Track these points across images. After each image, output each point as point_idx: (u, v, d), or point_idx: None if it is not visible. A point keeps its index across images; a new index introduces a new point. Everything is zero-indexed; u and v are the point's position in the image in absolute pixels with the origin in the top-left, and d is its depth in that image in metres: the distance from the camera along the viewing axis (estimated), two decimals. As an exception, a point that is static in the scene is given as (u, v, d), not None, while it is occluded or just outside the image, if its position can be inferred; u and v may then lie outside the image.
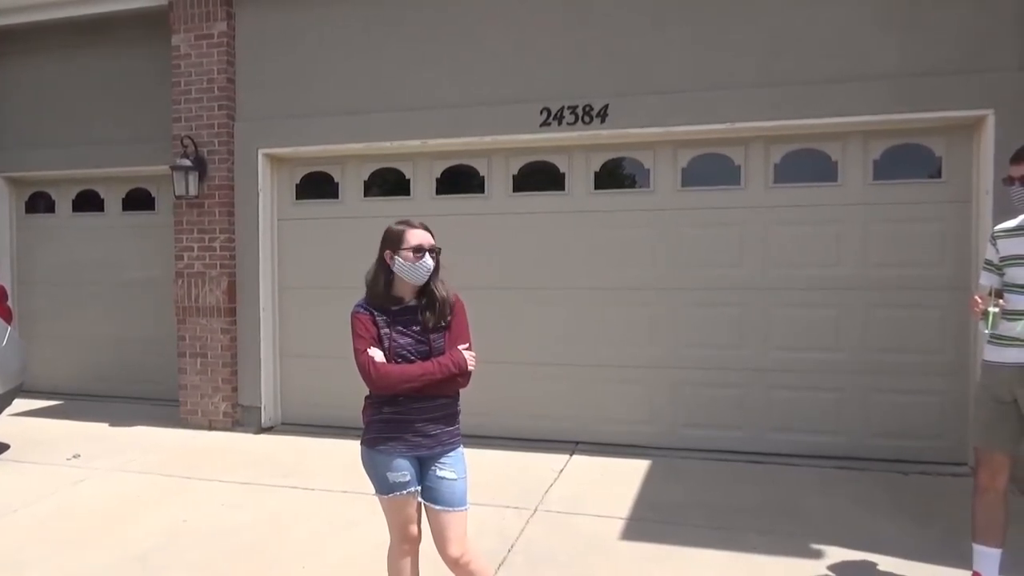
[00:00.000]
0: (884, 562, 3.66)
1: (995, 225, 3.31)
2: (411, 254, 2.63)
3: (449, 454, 2.72)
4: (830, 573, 3.57)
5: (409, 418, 2.63)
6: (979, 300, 3.05)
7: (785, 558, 3.74)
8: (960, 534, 4.00)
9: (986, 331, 3.02)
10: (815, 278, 5.48)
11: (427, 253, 2.65)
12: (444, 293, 2.72)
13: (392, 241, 2.67)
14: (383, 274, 2.68)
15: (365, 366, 2.58)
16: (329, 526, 4.25)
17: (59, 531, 4.23)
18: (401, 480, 2.64)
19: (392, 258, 2.65)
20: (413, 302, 2.69)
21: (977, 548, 3.19)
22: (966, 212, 5.19)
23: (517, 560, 3.77)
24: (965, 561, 3.48)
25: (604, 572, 3.62)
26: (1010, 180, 3.07)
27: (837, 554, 3.78)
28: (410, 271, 2.64)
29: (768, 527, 4.14)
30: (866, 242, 5.39)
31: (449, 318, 2.71)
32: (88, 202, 7.97)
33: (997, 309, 2.99)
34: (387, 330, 2.63)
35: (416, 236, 2.66)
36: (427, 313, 2.66)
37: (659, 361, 5.82)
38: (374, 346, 2.61)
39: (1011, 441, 3.10)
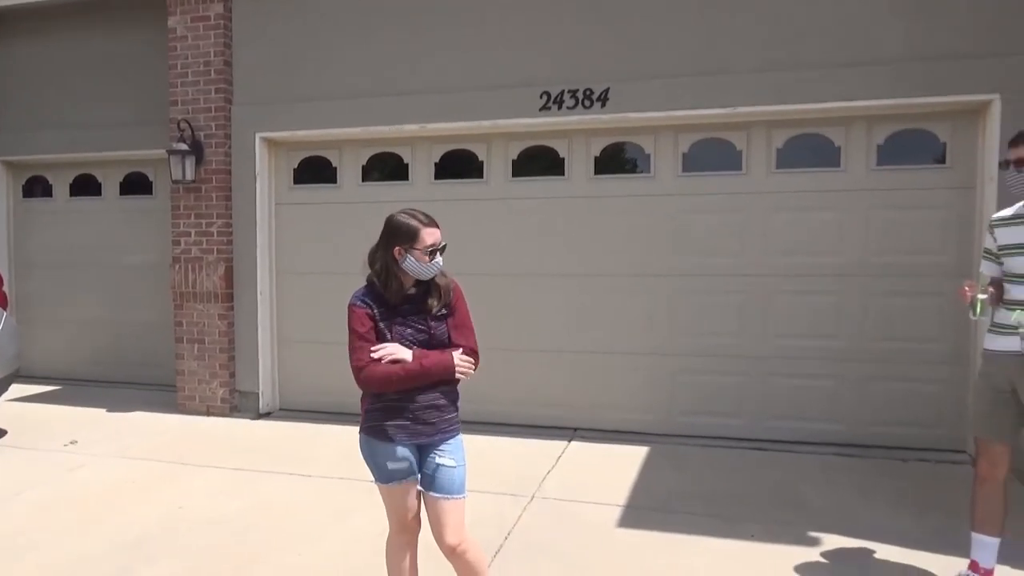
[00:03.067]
0: (883, 550, 3.65)
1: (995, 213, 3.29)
2: (425, 256, 2.58)
3: (448, 441, 2.69)
4: (829, 561, 3.56)
5: (409, 406, 2.60)
6: (968, 287, 3.03)
7: (784, 546, 3.72)
8: (959, 521, 3.98)
9: (973, 317, 3.02)
10: (816, 265, 5.44)
11: (438, 252, 2.61)
12: (444, 280, 2.69)
13: (404, 237, 2.58)
14: (393, 268, 2.60)
15: (354, 369, 2.58)
16: (326, 513, 4.24)
17: (56, 517, 4.22)
18: (401, 468, 2.62)
19: (403, 254, 2.58)
20: (412, 290, 2.65)
21: (976, 537, 3.17)
22: (970, 199, 5.13)
23: (514, 548, 3.76)
24: (963, 549, 3.46)
25: (602, 560, 3.61)
26: (1006, 163, 3.03)
27: (836, 542, 3.76)
28: (421, 269, 2.60)
29: (767, 515, 4.13)
30: (868, 229, 5.34)
31: (450, 305, 2.68)
32: (85, 186, 7.92)
33: (986, 296, 2.98)
34: (386, 323, 2.59)
35: (431, 235, 2.60)
36: (429, 301, 2.63)
37: (658, 348, 5.78)
38: (368, 344, 2.57)
39: (1011, 430, 3.08)
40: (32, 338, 7.77)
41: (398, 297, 2.59)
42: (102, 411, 6.67)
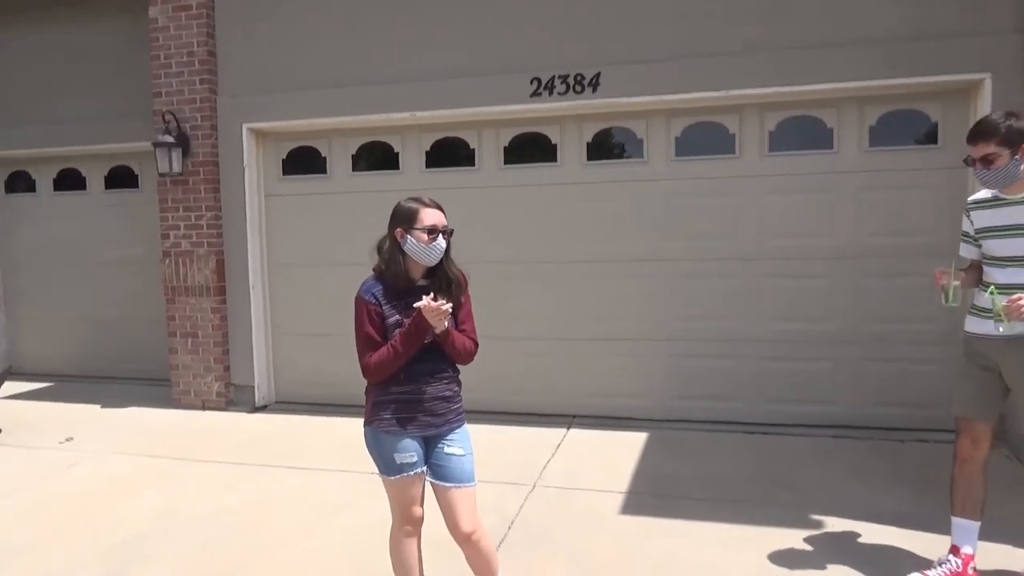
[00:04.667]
0: (881, 531, 3.68)
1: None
2: (424, 235, 2.55)
3: (456, 431, 2.70)
4: (828, 542, 3.58)
5: (417, 398, 2.60)
6: (939, 274, 2.98)
7: (784, 528, 3.74)
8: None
9: (945, 304, 2.97)
10: (810, 247, 5.44)
11: (440, 235, 2.58)
12: (455, 272, 2.67)
13: (404, 219, 2.58)
14: (395, 251, 2.59)
15: (361, 366, 2.59)
16: (324, 507, 4.23)
17: (52, 516, 4.18)
18: (409, 461, 2.61)
19: (403, 236, 2.57)
20: (423, 281, 2.63)
21: (956, 521, 3.14)
22: (962, 178, 5.13)
23: (517, 537, 3.76)
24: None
25: (604, 547, 3.62)
26: (970, 161, 2.98)
27: (835, 523, 3.79)
28: (423, 252, 2.57)
29: (766, 498, 4.15)
30: (861, 210, 5.34)
31: (462, 299, 2.68)
32: (70, 180, 7.81)
33: (958, 283, 2.94)
34: (397, 316, 2.56)
35: (430, 216, 2.58)
36: (443, 293, 2.59)
37: (653, 333, 5.78)
38: (371, 343, 2.56)
39: (993, 410, 3.08)
40: (21, 335, 7.69)
41: (403, 282, 2.56)
42: (96, 407, 6.62)
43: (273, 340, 6.70)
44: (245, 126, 6.39)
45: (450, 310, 2.51)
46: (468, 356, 2.70)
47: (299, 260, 6.56)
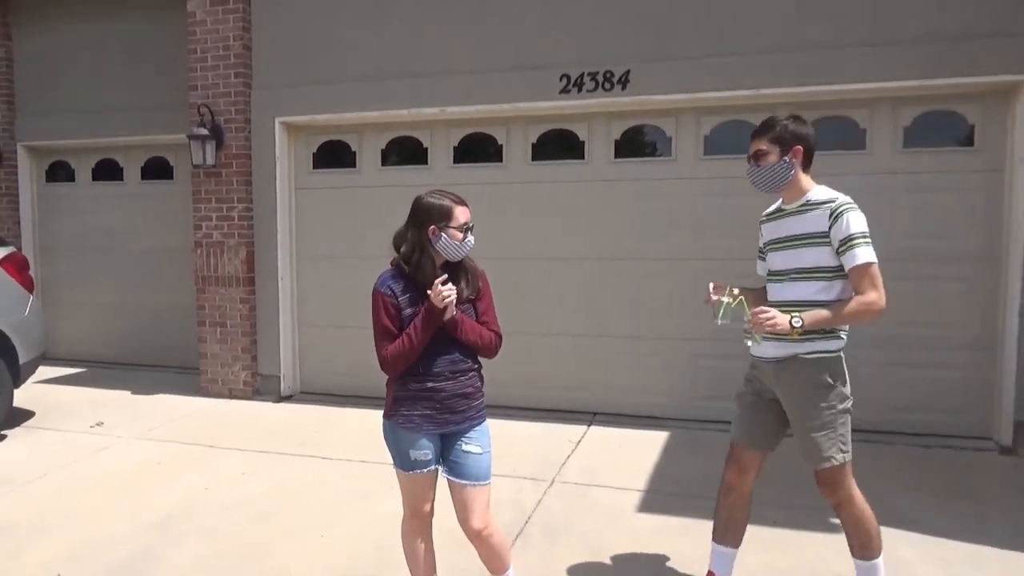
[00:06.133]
0: (906, 537, 3.62)
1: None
2: (459, 233, 2.57)
3: (476, 428, 2.70)
4: (845, 547, 3.52)
5: (437, 394, 2.60)
6: (715, 288, 2.76)
7: (806, 532, 3.71)
8: (983, 509, 3.96)
9: (717, 322, 2.72)
10: (840, 249, 5.36)
11: (469, 231, 2.61)
12: (473, 264, 2.70)
13: (439, 216, 2.57)
14: (428, 248, 2.58)
15: (379, 359, 2.60)
16: (347, 496, 4.28)
17: (81, 498, 4.29)
18: (423, 459, 2.62)
19: (437, 234, 2.56)
20: (441, 274, 2.64)
21: (716, 548, 3.04)
22: (998, 181, 5.04)
23: (534, 532, 3.77)
24: (990, 537, 3.45)
25: (621, 545, 3.61)
26: (748, 157, 2.83)
27: (858, 529, 3.73)
28: (455, 249, 2.59)
29: (788, 500, 4.10)
30: (894, 212, 5.25)
31: (478, 289, 2.70)
32: (107, 171, 7.99)
33: (729, 300, 2.70)
34: (414, 307, 2.57)
35: (463, 214, 2.60)
36: (459, 285, 2.61)
37: (678, 332, 5.75)
38: (389, 335, 2.56)
39: (764, 438, 2.91)
40: (56, 321, 7.87)
41: (431, 279, 2.56)
42: (126, 393, 6.76)
43: (299, 331, 6.79)
44: (278, 120, 6.48)
45: (454, 295, 2.51)
46: (490, 348, 2.70)
47: (327, 253, 6.64)
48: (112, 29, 7.49)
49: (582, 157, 5.93)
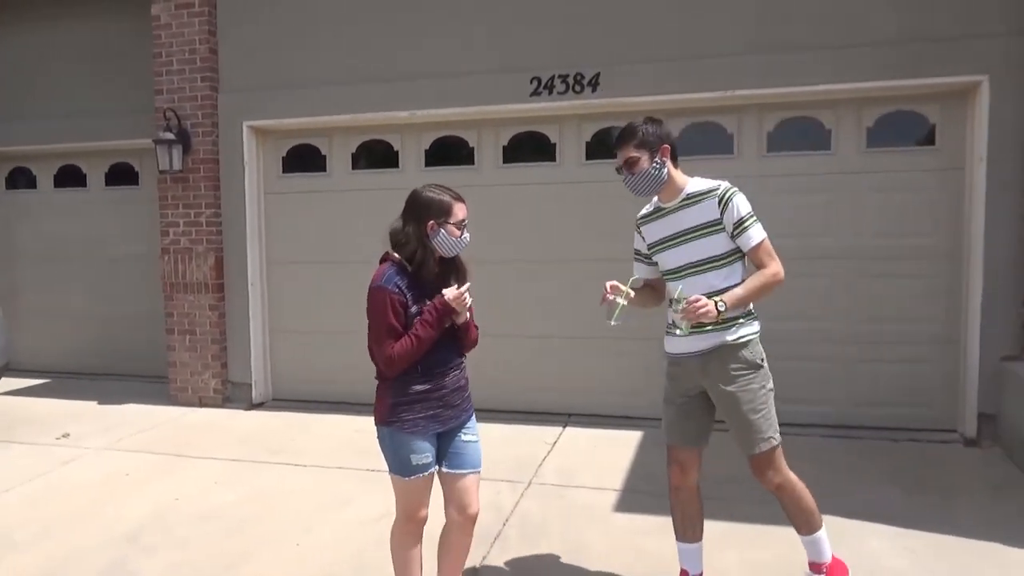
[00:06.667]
0: (875, 529, 3.69)
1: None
2: (457, 230, 2.59)
3: (471, 418, 2.79)
4: (823, 541, 3.59)
5: (438, 393, 2.62)
6: (608, 289, 2.83)
7: (778, 527, 3.74)
8: (950, 501, 4.06)
9: (610, 323, 2.80)
10: (807, 247, 5.45)
11: (465, 228, 2.62)
12: (462, 260, 2.73)
13: (438, 211, 2.57)
14: (429, 245, 2.57)
15: (386, 359, 2.53)
16: (322, 503, 4.23)
17: (50, 511, 4.19)
18: (424, 462, 2.62)
19: (435, 229, 2.56)
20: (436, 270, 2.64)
21: (680, 546, 3.09)
22: (959, 179, 5.16)
23: (512, 533, 3.77)
24: (956, 527, 3.53)
25: (599, 544, 3.64)
26: (618, 168, 2.90)
27: (830, 522, 3.74)
28: (451, 245, 2.60)
29: (762, 496, 4.11)
30: (858, 211, 5.36)
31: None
32: (70, 177, 7.82)
33: (625, 302, 2.79)
34: (416, 305, 2.56)
35: (462, 210, 2.62)
36: (452, 282, 2.62)
37: (650, 332, 5.73)
38: (396, 335, 2.53)
39: (696, 434, 2.97)
40: (20, 331, 7.66)
41: (433, 276, 2.55)
42: (93, 403, 6.63)
43: (271, 337, 6.71)
44: (245, 124, 6.41)
45: (470, 300, 2.56)
46: (475, 343, 2.76)
47: (298, 257, 6.58)
48: (74, 33, 7.34)
49: (553, 159, 5.96)
